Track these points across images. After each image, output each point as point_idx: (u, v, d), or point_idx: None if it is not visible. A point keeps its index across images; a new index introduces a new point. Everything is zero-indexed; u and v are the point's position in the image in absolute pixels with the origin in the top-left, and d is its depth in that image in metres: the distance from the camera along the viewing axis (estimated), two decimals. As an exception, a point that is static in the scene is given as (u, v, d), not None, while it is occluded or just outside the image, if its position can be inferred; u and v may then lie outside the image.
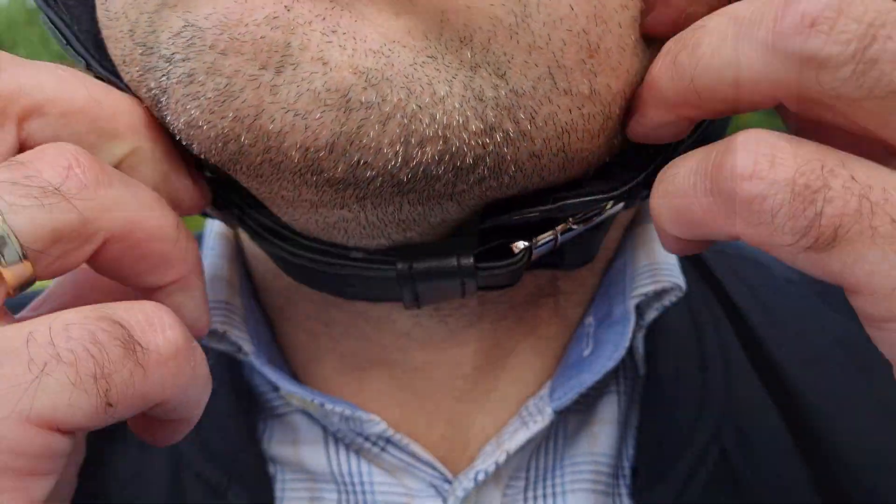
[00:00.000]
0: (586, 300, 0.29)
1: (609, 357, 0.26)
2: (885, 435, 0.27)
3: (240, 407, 0.28)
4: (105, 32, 0.21)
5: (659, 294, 0.27)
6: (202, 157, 0.19)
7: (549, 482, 0.27)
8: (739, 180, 0.16)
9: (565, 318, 0.28)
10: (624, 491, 0.27)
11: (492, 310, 0.27)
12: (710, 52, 0.17)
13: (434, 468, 0.27)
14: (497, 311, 0.27)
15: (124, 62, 0.20)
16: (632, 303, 0.26)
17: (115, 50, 0.20)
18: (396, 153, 0.18)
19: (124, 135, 0.19)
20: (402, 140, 0.18)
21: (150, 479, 0.27)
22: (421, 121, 0.17)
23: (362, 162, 0.18)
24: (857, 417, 0.28)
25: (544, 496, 0.27)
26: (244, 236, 0.30)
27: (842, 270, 0.15)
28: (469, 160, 0.18)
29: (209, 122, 0.18)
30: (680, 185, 0.18)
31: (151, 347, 0.16)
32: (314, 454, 0.27)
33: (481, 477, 0.26)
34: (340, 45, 0.17)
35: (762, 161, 0.16)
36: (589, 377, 0.26)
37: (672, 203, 0.18)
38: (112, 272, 0.19)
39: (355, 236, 0.22)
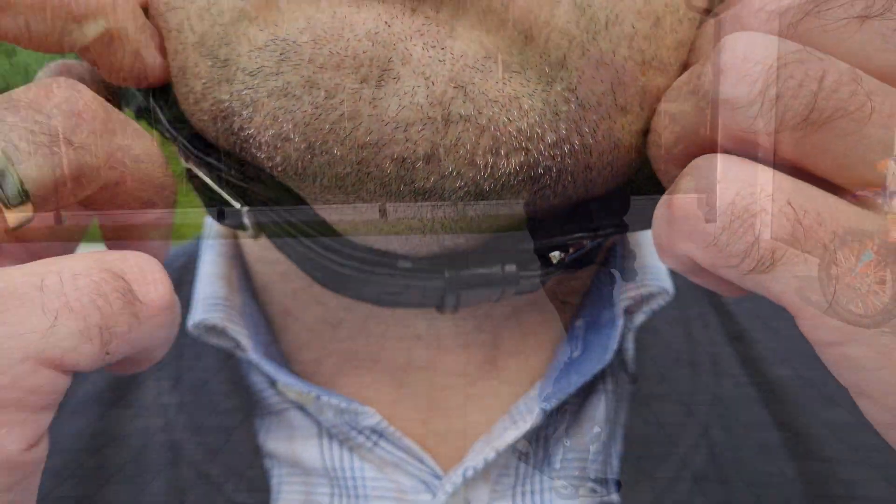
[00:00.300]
0: (577, 302, 0.29)
1: (597, 360, 0.26)
2: (864, 430, 0.28)
3: (237, 403, 0.28)
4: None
5: (647, 298, 0.27)
6: (282, 168, 0.19)
7: (537, 478, 0.28)
8: (685, 203, 0.17)
9: (558, 319, 0.29)
10: (612, 488, 0.28)
11: (499, 313, 0.28)
12: (665, 112, 0.19)
13: (424, 463, 0.27)
14: (502, 313, 0.28)
15: (184, 74, 0.20)
16: (620, 306, 0.27)
17: (173, 62, 0.20)
18: (487, 164, 0.18)
19: (94, 15, 0.19)
20: (492, 151, 0.18)
21: (149, 465, 0.28)
22: (510, 133, 0.18)
23: (455, 173, 0.18)
24: (838, 413, 0.28)
25: (532, 492, 0.27)
26: (244, 235, 0.30)
27: (780, 294, 0.16)
28: (540, 170, 0.19)
29: (302, 134, 0.18)
30: (657, 212, 0.18)
31: (146, 301, 0.17)
32: (308, 449, 0.28)
33: (470, 473, 0.27)
34: (440, 60, 0.17)
35: (704, 184, 0.16)
36: (577, 378, 0.26)
37: (653, 229, 0.19)
38: (95, 209, 0.20)
39: (411, 243, 0.22)
